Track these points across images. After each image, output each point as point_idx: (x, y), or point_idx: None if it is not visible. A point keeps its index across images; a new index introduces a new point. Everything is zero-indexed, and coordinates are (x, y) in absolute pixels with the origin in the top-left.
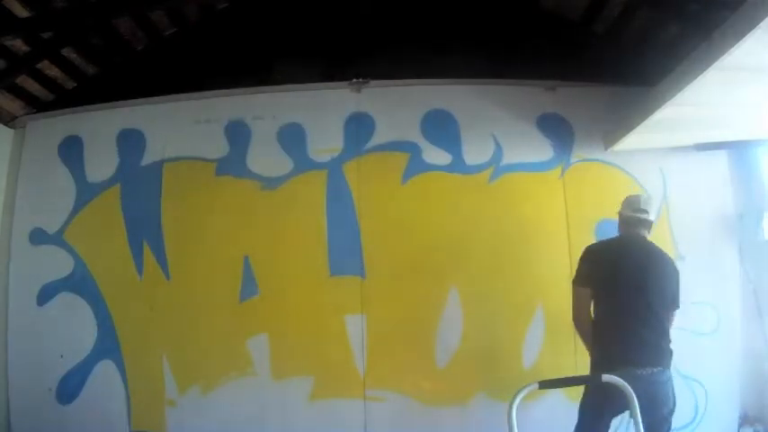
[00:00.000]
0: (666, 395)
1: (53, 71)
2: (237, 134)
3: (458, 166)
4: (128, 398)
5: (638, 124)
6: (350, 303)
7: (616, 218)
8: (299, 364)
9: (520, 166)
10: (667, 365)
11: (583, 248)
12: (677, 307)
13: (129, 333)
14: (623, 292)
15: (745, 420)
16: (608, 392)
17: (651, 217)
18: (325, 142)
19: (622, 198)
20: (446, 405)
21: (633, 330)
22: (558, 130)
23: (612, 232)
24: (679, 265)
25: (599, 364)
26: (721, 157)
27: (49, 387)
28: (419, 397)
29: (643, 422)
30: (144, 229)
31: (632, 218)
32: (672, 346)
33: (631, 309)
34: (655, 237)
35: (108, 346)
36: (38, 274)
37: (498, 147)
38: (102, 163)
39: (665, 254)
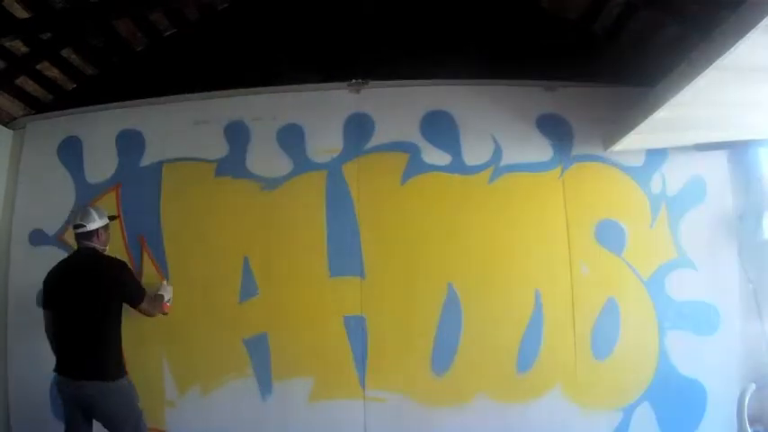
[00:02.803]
0: (109, 405)
1: (53, 72)
2: (237, 135)
3: (457, 166)
4: None
5: (637, 124)
6: (349, 304)
7: (616, 218)
8: (298, 364)
9: (519, 166)
10: (107, 377)
11: None
12: (138, 301)
13: (129, 333)
14: (59, 310)
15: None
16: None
17: (90, 227)
18: (325, 143)
19: (622, 198)
20: (446, 405)
21: (68, 345)
22: (557, 131)
23: (612, 232)
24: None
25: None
26: (721, 157)
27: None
28: (419, 397)
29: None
30: (143, 230)
31: (74, 234)
32: (116, 355)
33: (66, 325)
34: (655, 237)
35: None
36: (37, 275)
37: (498, 147)
38: (101, 164)
39: (105, 261)
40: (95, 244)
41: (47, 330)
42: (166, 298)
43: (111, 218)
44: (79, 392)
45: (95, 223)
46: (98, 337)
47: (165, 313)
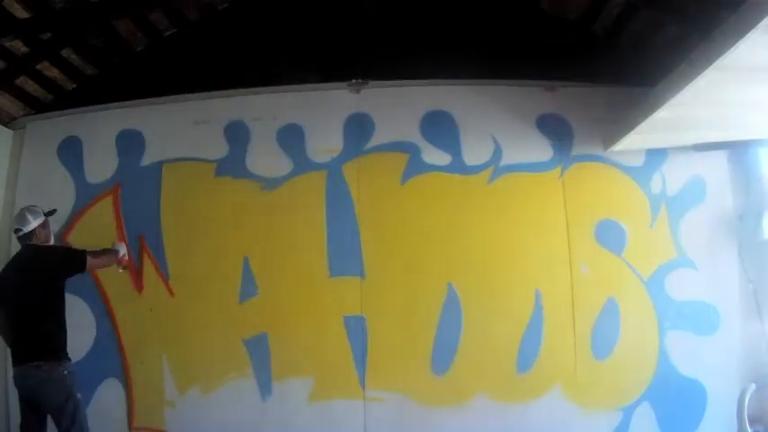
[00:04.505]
0: (47, 392)
1: (53, 72)
2: (237, 135)
3: (457, 166)
4: (127, 399)
5: (637, 124)
6: (349, 304)
7: (616, 218)
8: (298, 364)
9: (519, 166)
10: (42, 357)
11: None
12: (82, 263)
13: (129, 334)
14: (5, 305)
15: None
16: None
17: (26, 229)
18: (325, 143)
19: (622, 198)
20: (446, 405)
21: (13, 336)
22: (557, 131)
23: (612, 232)
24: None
25: None
26: (721, 157)
27: None
28: (419, 397)
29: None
30: (143, 230)
31: (17, 238)
32: (55, 338)
33: (11, 318)
34: (655, 237)
35: (107, 347)
36: None
37: (498, 147)
38: (101, 164)
39: (40, 249)
40: (35, 242)
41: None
42: (121, 253)
43: (48, 213)
44: (24, 382)
45: (30, 225)
46: (37, 322)
47: (124, 267)
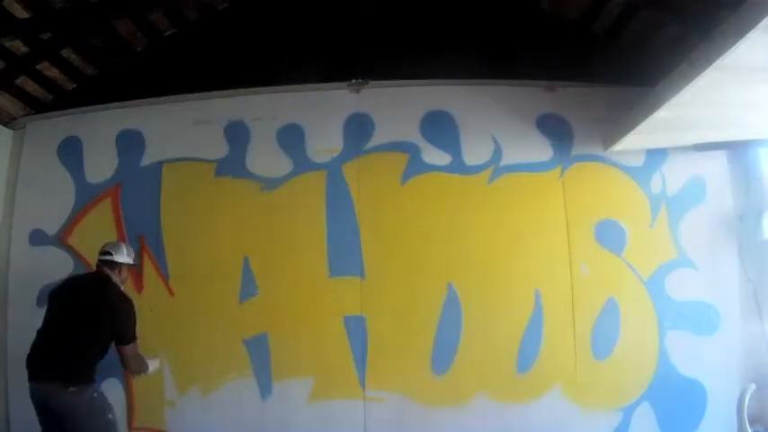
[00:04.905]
0: (73, 413)
1: (53, 72)
2: (237, 135)
3: (457, 166)
4: (127, 399)
5: (637, 124)
6: (349, 304)
7: (616, 218)
8: (298, 364)
9: (519, 166)
10: (71, 381)
11: None
12: (125, 342)
13: None
14: (54, 314)
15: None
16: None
17: (116, 258)
18: (325, 143)
19: (622, 198)
20: (446, 405)
21: (47, 350)
22: (557, 131)
23: (612, 232)
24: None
25: None
26: (721, 157)
27: None
28: (419, 397)
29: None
30: (143, 230)
31: (98, 258)
32: (89, 371)
33: (54, 330)
34: (655, 237)
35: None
36: (37, 275)
37: (498, 147)
38: (101, 164)
39: (117, 291)
40: (114, 276)
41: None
42: (150, 369)
43: (134, 265)
44: (49, 399)
45: (122, 257)
46: (78, 353)
47: (133, 374)
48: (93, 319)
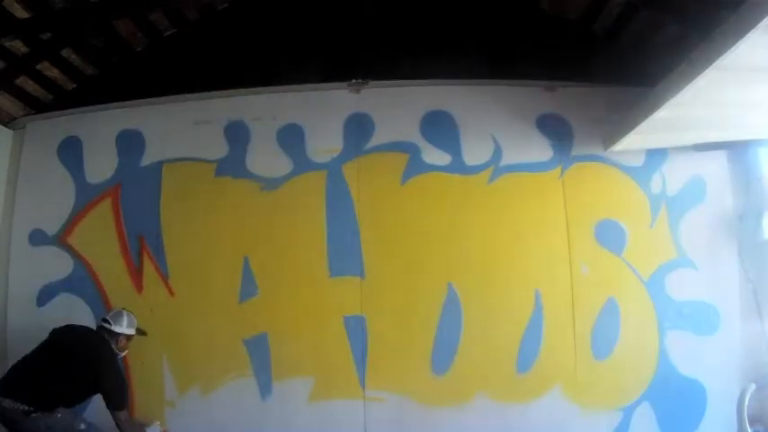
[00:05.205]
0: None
1: (53, 72)
2: (237, 135)
3: (457, 166)
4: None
5: (637, 124)
6: (349, 304)
7: (616, 218)
8: (298, 364)
9: (519, 166)
10: (36, 409)
11: None
12: (116, 408)
13: None
14: (50, 350)
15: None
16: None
17: (114, 329)
18: (325, 143)
19: (622, 198)
20: (446, 405)
21: (27, 374)
22: (557, 131)
23: (612, 232)
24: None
25: None
26: (721, 157)
27: None
28: (419, 397)
29: None
30: (143, 230)
31: (97, 324)
32: (59, 405)
33: (44, 362)
34: (655, 237)
35: None
36: (37, 275)
37: (498, 147)
38: (101, 164)
39: (113, 363)
40: (112, 344)
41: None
42: None
43: (141, 332)
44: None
45: (120, 328)
46: (56, 390)
47: None
48: (78, 365)
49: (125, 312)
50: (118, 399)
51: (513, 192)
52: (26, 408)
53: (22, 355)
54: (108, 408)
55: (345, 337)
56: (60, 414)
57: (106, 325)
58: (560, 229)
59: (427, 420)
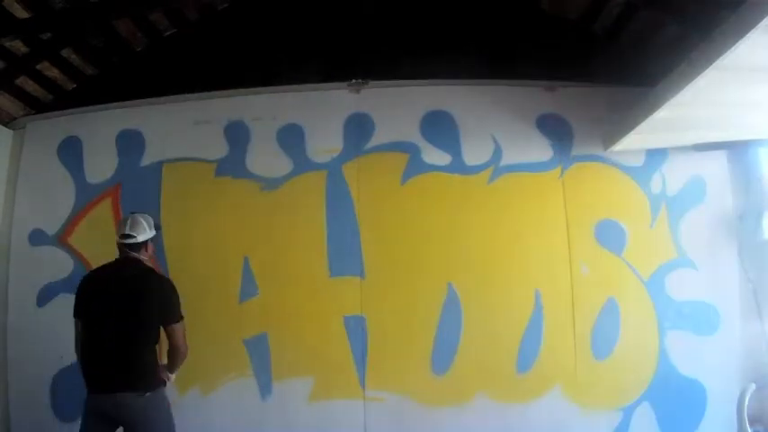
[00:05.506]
0: (146, 419)
1: (53, 72)
2: (237, 135)
3: (457, 166)
4: None
5: (637, 124)
6: (349, 304)
7: (616, 218)
8: (298, 364)
9: (519, 166)
10: (145, 389)
11: None
12: (175, 321)
13: None
14: (94, 319)
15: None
16: (91, 413)
17: (140, 238)
18: (325, 143)
19: (622, 198)
20: (446, 405)
21: (101, 358)
22: (557, 131)
23: (612, 232)
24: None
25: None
26: (721, 157)
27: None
28: (419, 397)
29: None
30: None
31: (119, 243)
32: (154, 367)
33: (100, 336)
34: (655, 237)
35: None
36: (37, 275)
37: (498, 147)
38: (101, 164)
39: (156, 276)
40: (142, 256)
41: (76, 341)
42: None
43: (158, 228)
44: (117, 409)
45: (145, 234)
46: (136, 351)
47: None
48: (141, 314)
49: (138, 216)
50: (178, 312)
51: (513, 192)
52: (134, 391)
53: (80, 341)
54: (166, 325)
55: (345, 337)
56: (165, 398)
57: (130, 240)
58: (560, 229)
59: (427, 420)
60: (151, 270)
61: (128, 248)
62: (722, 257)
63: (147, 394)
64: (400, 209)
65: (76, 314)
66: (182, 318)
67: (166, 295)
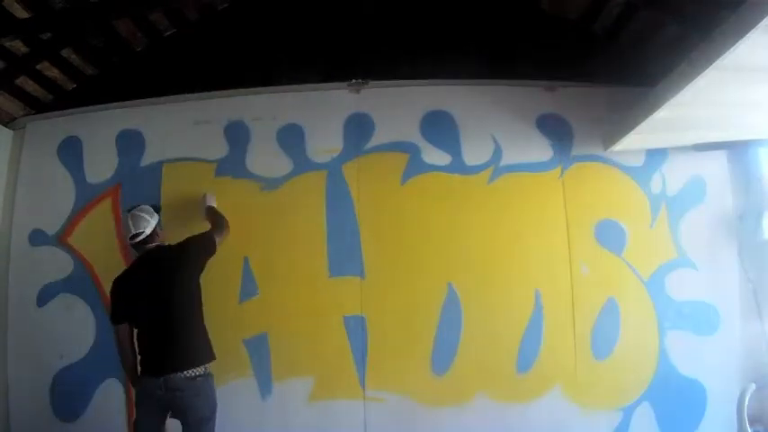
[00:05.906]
0: (195, 403)
1: (52, 72)
2: (237, 135)
3: (457, 166)
4: (127, 399)
5: (637, 124)
6: (349, 304)
7: (616, 218)
8: (298, 364)
9: (519, 166)
10: (205, 359)
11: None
12: (215, 239)
13: None
14: (141, 316)
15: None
16: (145, 397)
17: (147, 231)
18: (325, 143)
19: (622, 198)
20: (446, 405)
21: (160, 345)
22: (557, 131)
23: (612, 232)
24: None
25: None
26: (721, 157)
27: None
28: (419, 397)
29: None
30: None
31: (132, 245)
32: (207, 337)
33: (153, 327)
34: (655, 237)
35: (107, 346)
36: (37, 276)
37: (498, 147)
38: (101, 164)
39: (172, 246)
40: (157, 242)
41: (120, 344)
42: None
43: (157, 210)
44: (173, 394)
45: (150, 224)
46: (191, 327)
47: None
48: (184, 284)
49: (136, 211)
50: (211, 246)
51: (513, 192)
52: (192, 374)
53: (125, 345)
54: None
55: (345, 337)
56: (212, 381)
57: (138, 238)
58: (560, 229)
59: (427, 420)
60: (167, 246)
61: (142, 244)
62: (722, 257)
63: (198, 378)
64: (400, 209)
65: (117, 321)
66: (212, 235)
67: (190, 250)
